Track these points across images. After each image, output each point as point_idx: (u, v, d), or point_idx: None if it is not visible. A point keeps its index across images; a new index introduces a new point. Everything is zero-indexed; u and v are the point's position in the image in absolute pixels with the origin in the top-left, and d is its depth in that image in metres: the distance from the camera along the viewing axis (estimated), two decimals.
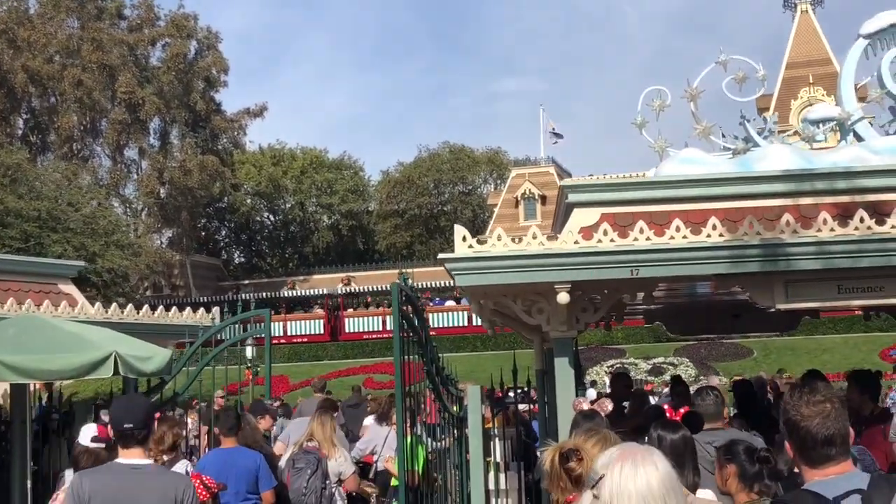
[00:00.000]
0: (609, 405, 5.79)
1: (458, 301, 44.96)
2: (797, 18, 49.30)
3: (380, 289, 46.29)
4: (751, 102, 10.61)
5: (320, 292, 50.03)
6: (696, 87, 9.29)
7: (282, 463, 9.14)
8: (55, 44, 50.06)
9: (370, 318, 46.01)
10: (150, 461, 5.21)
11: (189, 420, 11.73)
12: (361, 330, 45.77)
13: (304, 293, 51.37)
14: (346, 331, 46.17)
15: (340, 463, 9.21)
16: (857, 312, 26.05)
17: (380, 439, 11.05)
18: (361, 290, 49.27)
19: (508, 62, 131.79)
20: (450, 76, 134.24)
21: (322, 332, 46.09)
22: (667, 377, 33.95)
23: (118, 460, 5.00)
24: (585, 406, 5.92)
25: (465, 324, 43.23)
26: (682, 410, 5.61)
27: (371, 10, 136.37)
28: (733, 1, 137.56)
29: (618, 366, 35.61)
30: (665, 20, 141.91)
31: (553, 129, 55.42)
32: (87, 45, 49.89)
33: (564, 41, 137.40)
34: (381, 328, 44.35)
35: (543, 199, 52.07)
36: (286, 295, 53.09)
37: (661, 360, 36.37)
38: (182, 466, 7.24)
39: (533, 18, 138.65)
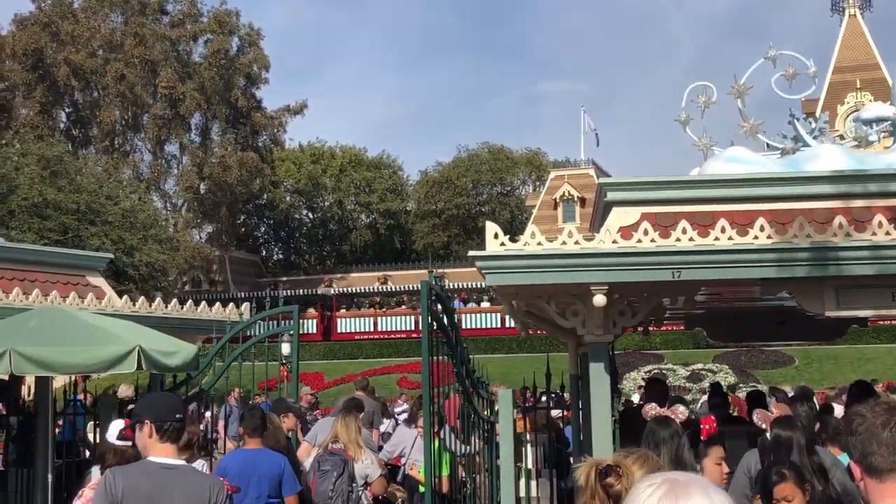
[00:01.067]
0: (684, 411, 5.44)
1: (491, 301, 44.74)
2: (845, 22, 48.40)
3: (416, 288, 46.18)
4: (797, 103, 10.23)
5: (360, 290, 50.15)
6: (743, 83, 8.92)
7: (306, 464, 8.88)
8: (98, 38, 50.35)
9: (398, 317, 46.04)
10: (182, 461, 4.99)
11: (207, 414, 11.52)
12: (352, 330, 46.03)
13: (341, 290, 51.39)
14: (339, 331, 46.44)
15: (367, 465, 8.93)
16: None
17: (408, 442, 10.77)
18: (397, 290, 49.16)
19: (550, 64, 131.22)
20: (491, 77, 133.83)
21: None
22: (705, 384, 33.42)
23: (150, 458, 4.79)
24: (655, 412, 5.57)
25: (499, 325, 42.91)
26: (711, 418, 5.27)
27: (414, 11, 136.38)
28: (780, 4, 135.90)
29: (655, 371, 35.06)
30: (709, 22, 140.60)
31: (595, 130, 54.85)
32: (130, 40, 50.13)
33: (607, 43, 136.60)
34: (412, 327, 44.44)
35: (583, 201, 51.52)
36: (323, 292, 53.13)
37: (699, 366, 35.73)
38: (199, 466, 7.00)
39: (575, 20, 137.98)
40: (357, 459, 8.74)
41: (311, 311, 47.10)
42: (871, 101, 40.93)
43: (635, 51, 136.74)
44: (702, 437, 5.54)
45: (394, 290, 49.69)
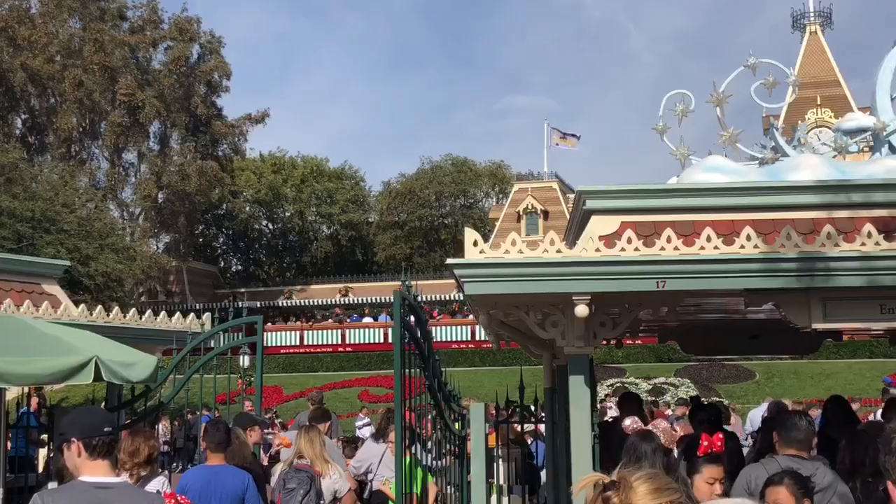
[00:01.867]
0: (664, 425, 5.22)
1: (452, 315, 44.58)
2: (806, 39, 48.93)
3: (378, 300, 45.83)
4: (777, 112, 10.11)
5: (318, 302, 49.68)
6: (723, 91, 8.75)
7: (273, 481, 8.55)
8: (56, 44, 49.60)
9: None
10: (118, 478, 4.61)
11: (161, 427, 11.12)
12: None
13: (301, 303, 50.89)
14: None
15: (335, 480, 8.62)
16: (869, 337, 25.47)
17: (375, 457, 10.44)
18: (360, 302, 48.77)
19: (516, 79, 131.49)
20: (457, 91, 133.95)
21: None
22: (668, 398, 33.39)
23: (82, 478, 4.40)
24: (637, 426, 5.34)
25: (464, 338, 42.71)
26: (720, 435, 5.05)
27: (380, 23, 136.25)
28: (741, 21, 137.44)
29: (618, 385, 34.98)
30: (672, 40, 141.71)
31: (558, 144, 54.58)
32: (89, 46, 49.41)
33: (572, 59, 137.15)
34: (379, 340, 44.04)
35: (546, 214, 51.53)
36: (283, 304, 52.58)
37: (661, 380, 35.75)
38: (158, 483, 6.64)
39: (541, 36, 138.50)
40: (324, 475, 8.43)
41: (270, 324, 46.57)
42: (831, 116, 41.37)
43: (599, 66, 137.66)
44: (699, 453, 5.31)
45: (355, 302, 49.29)
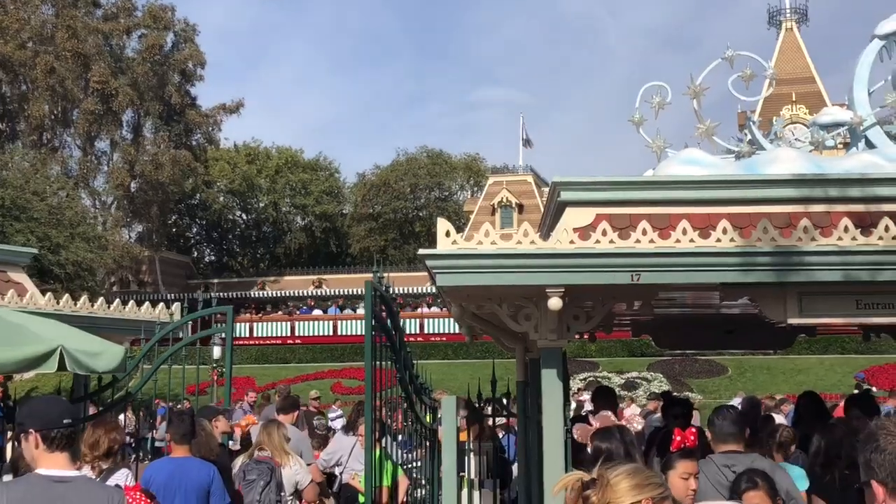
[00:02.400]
0: (639, 422, 5.16)
1: (428, 307, 44.48)
2: (781, 36, 49.13)
3: (352, 292, 45.65)
4: (743, 109, 10.05)
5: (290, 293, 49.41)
6: (700, 83, 8.67)
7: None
8: (28, 30, 48.96)
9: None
10: (78, 472, 4.46)
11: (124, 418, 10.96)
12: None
13: (274, 294, 50.63)
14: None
15: (297, 472, 8.52)
16: (841, 332, 25.57)
17: (345, 450, 10.33)
18: (333, 294, 48.56)
19: (489, 71, 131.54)
20: (430, 83, 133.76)
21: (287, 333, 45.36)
22: (639, 392, 33.46)
23: (39, 471, 4.25)
24: (576, 433, 5.28)
25: (436, 330, 42.63)
26: (693, 430, 4.97)
27: (353, 14, 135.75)
28: (715, 16, 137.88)
29: (590, 379, 35.02)
30: (646, 34, 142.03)
31: (525, 138, 54.76)
32: (62, 33, 48.84)
33: (546, 52, 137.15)
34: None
35: (521, 207, 51.54)
36: (255, 295, 52.29)
37: (634, 374, 35.85)
38: (121, 476, 6.48)
39: (515, 29, 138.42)
40: (284, 465, 8.33)
41: (244, 314, 46.27)
42: (806, 113, 41.54)
43: (573, 60, 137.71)
44: (671, 448, 5.23)
45: (328, 293, 49.09)
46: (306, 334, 44.50)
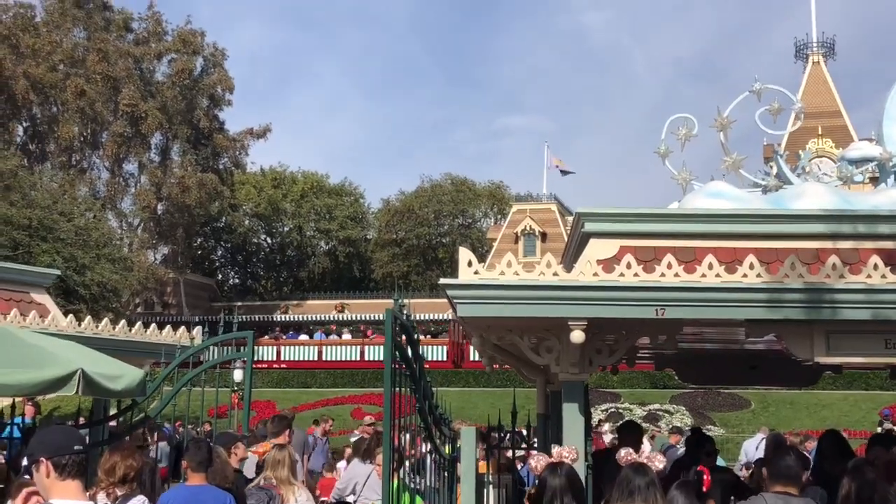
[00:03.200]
0: (661, 461, 5.03)
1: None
2: (808, 69, 48.91)
3: (374, 317, 45.59)
4: (768, 142, 9.95)
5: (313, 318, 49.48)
6: (727, 116, 8.61)
7: None
8: (60, 52, 49.48)
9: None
10: (90, 501, 4.40)
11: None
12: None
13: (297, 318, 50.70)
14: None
15: (303, 502, 8.41)
16: (867, 368, 25.23)
17: (360, 478, 10.22)
18: (355, 318, 48.55)
19: (515, 99, 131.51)
20: (456, 109, 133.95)
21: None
22: (661, 424, 33.14)
23: (52, 501, 4.18)
24: (631, 458, 5.15)
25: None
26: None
27: (381, 40, 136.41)
28: (744, 50, 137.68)
29: (612, 410, 34.77)
30: (673, 65, 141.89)
31: (558, 166, 54.72)
32: (93, 56, 49.32)
33: (572, 81, 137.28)
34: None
35: (544, 235, 51.40)
36: (278, 319, 52.37)
37: (656, 406, 35.53)
38: (139, 503, 6.42)
39: (542, 57, 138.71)
40: (287, 500, 8.19)
41: (266, 338, 46.34)
42: (832, 147, 41.28)
43: (599, 89, 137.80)
44: (704, 489, 5.13)
45: (351, 318, 49.08)
46: (333, 359, 44.55)
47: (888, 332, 6.29)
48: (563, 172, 54.55)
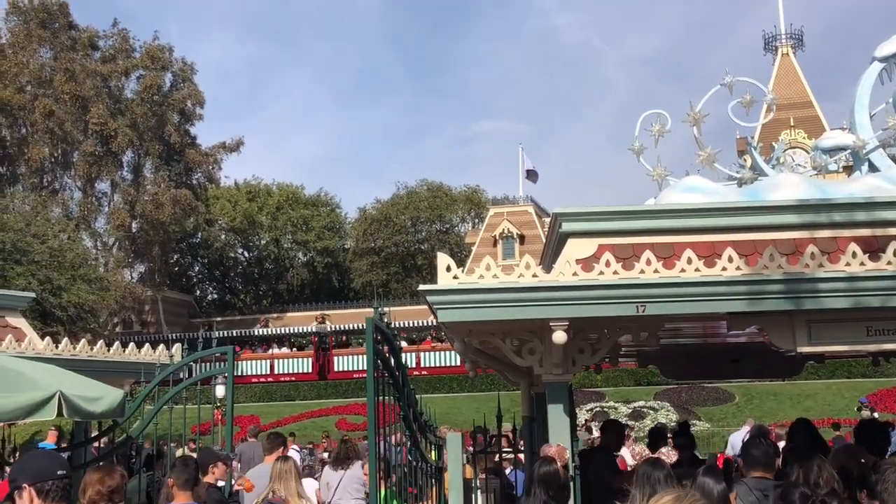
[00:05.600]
0: (674, 456, 5.01)
1: (434, 340, 44.30)
2: (778, 61, 49.22)
3: (355, 327, 45.48)
4: (741, 135, 9.97)
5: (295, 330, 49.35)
6: (699, 110, 8.61)
7: None
8: (27, 74, 49.10)
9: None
10: None
11: None
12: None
13: (277, 331, 50.49)
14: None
15: None
16: (849, 356, 25.37)
17: (333, 482, 10.11)
18: (337, 329, 48.41)
19: (486, 104, 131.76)
20: (427, 116, 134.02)
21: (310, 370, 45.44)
22: (647, 421, 33.17)
23: None
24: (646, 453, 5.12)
25: (440, 364, 42.42)
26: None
27: (351, 49, 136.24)
28: (712, 43, 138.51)
29: (597, 409, 34.79)
30: (643, 64, 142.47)
31: (528, 170, 54.68)
32: (60, 76, 48.97)
33: (543, 83, 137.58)
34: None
35: (522, 238, 51.44)
36: (259, 333, 52.13)
37: (641, 403, 35.59)
38: None
39: (512, 61, 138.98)
40: None
41: (248, 351, 46.16)
42: (804, 138, 41.52)
43: (570, 91, 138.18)
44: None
45: (332, 328, 48.93)
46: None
47: (869, 319, 6.28)
48: (529, 173, 54.50)
